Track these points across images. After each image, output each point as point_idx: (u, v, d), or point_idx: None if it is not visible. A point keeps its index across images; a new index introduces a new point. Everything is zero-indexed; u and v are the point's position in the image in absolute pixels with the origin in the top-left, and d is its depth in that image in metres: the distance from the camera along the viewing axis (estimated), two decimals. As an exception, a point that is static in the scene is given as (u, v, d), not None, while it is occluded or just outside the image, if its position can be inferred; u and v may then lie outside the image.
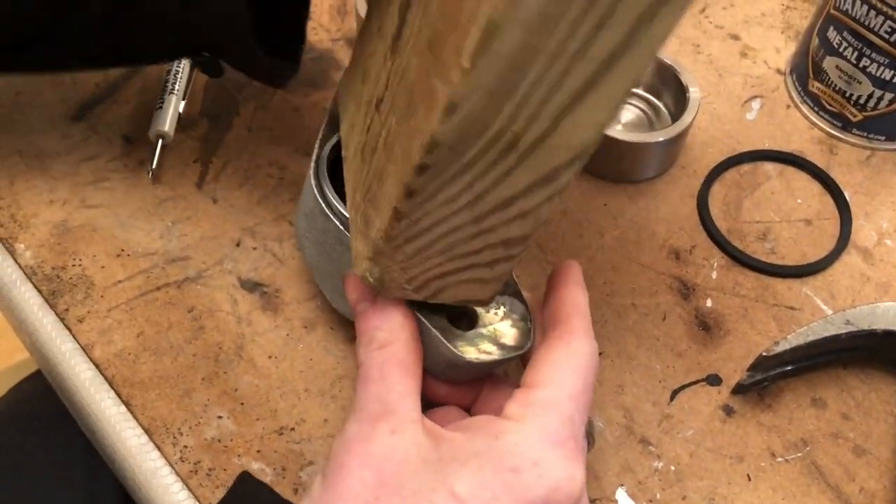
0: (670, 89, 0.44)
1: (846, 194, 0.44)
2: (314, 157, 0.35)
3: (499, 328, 0.32)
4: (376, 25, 0.31)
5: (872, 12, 0.40)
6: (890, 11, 0.39)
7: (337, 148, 0.35)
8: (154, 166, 0.42)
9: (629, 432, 0.36)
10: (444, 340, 0.31)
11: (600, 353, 0.38)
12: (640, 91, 0.45)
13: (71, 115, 0.45)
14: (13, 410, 0.58)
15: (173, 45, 0.38)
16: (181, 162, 0.43)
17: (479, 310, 0.33)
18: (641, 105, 0.45)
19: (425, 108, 0.23)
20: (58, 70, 0.44)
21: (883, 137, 0.45)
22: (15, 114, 0.45)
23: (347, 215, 0.33)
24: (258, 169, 0.43)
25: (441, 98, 0.22)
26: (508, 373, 0.36)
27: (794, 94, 0.47)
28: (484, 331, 0.32)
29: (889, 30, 0.40)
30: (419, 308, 0.31)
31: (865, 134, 0.45)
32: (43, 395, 0.57)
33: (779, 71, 0.49)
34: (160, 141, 0.43)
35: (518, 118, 0.22)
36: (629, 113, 0.45)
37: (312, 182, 0.34)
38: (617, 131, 0.42)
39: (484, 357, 0.31)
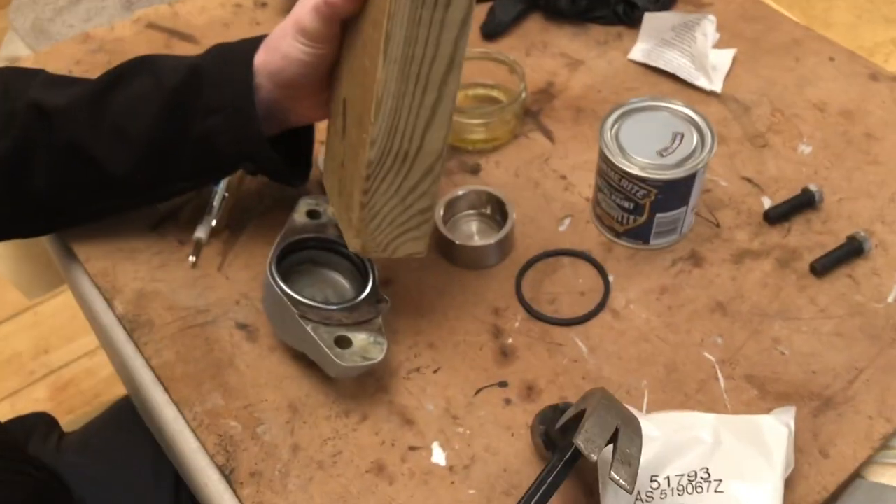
0: (500, 210, 0.72)
1: (610, 277, 0.70)
2: (270, 257, 0.64)
3: (366, 348, 0.60)
4: (333, 128, 0.62)
5: (610, 169, 0.67)
6: (614, 171, 0.66)
7: (284, 248, 0.64)
8: (194, 258, 0.72)
9: (446, 412, 0.62)
10: (332, 354, 0.58)
11: (438, 368, 0.65)
12: (482, 210, 0.73)
13: (150, 226, 0.75)
14: (115, 414, 0.88)
15: (229, 168, 0.69)
16: (211, 255, 0.73)
17: (353, 339, 0.60)
18: (485, 220, 0.73)
19: (361, 150, 0.54)
20: (160, 201, 0.75)
21: (641, 242, 0.71)
22: (118, 225, 0.76)
23: (288, 291, 0.61)
24: (256, 259, 0.72)
25: (366, 140, 0.52)
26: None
27: (591, 215, 0.74)
28: (355, 349, 0.59)
29: (617, 177, 0.67)
30: (319, 335, 0.59)
31: (629, 239, 0.71)
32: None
33: (587, 199, 0.76)
34: (199, 242, 0.73)
35: (404, 141, 0.52)
36: (479, 224, 0.73)
37: (268, 273, 0.63)
38: (469, 238, 0.70)
39: (352, 364, 0.58)
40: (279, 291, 0.61)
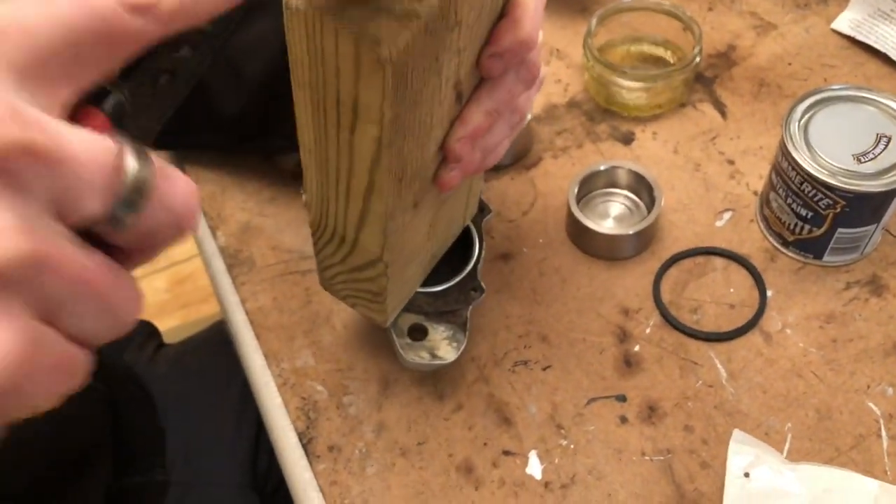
0: (647, 193, 0.62)
1: (769, 292, 0.59)
2: None
3: (438, 345, 0.53)
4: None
5: (791, 168, 0.56)
6: (796, 171, 0.55)
7: None
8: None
9: (550, 418, 0.55)
10: (398, 345, 0.52)
11: (549, 366, 0.57)
12: (625, 192, 0.63)
13: (262, 156, 0.70)
14: (214, 335, 0.85)
15: None
16: (322, 196, 0.67)
17: (430, 330, 0.53)
18: (626, 202, 0.64)
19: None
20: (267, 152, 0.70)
21: (812, 256, 0.60)
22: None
23: None
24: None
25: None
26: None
27: (757, 213, 0.63)
28: (427, 343, 0.52)
29: (798, 179, 0.56)
30: (395, 326, 0.53)
31: (798, 251, 0.60)
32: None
33: (755, 193, 0.65)
34: (312, 180, 0.67)
35: (337, 227, 0.44)
36: (619, 206, 0.64)
37: None
38: (601, 225, 0.61)
39: (416, 360, 0.52)
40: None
